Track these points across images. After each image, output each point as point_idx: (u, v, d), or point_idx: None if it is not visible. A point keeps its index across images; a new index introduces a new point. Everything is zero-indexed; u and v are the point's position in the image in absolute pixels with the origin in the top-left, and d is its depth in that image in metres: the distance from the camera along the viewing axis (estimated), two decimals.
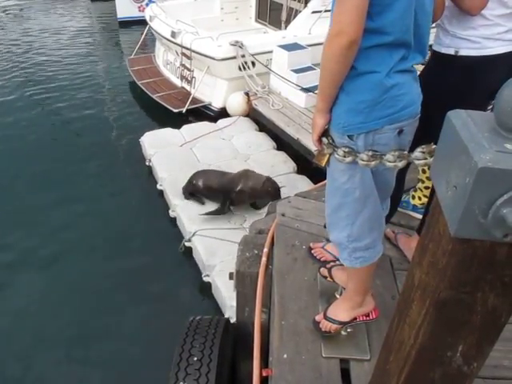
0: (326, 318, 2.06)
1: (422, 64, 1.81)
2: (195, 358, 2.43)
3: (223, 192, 4.70)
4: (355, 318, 2.04)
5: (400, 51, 1.51)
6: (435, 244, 1.07)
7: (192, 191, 4.91)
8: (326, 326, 2.06)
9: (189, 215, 4.70)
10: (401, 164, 1.52)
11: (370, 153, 1.54)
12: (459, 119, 0.98)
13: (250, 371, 2.78)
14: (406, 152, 1.51)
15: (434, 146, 1.40)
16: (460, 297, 1.05)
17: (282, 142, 6.11)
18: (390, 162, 1.53)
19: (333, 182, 1.77)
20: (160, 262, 4.50)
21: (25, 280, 4.27)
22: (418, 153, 1.45)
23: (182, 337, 2.58)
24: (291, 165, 5.49)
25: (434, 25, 2.15)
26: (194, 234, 4.43)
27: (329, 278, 2.21)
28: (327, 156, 1.69)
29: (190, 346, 2.49)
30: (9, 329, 3.82)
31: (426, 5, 1.55)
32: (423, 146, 1.44)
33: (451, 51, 1.97)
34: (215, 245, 4.22)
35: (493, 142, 0.87)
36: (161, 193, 5.29)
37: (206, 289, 4.07)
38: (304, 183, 4.94)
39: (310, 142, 5.60)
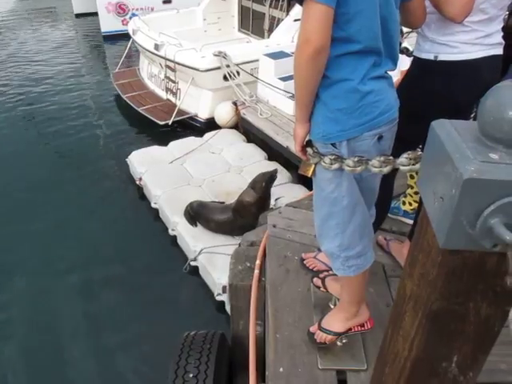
0: (320, 329, 2.04)
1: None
2: (191, 375, 2.39)
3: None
4: (350, 329, 2.02)
5: (371, 58, 1.53)
6: (425, 255, 1.06)
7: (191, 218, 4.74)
8: (320, 337, 2.05)
9: (191, 233, 4.55)
10: (386, 169, 1.52)
11: (356, 158, 1.54)
12: (443, 129, 0.97)
13: None
14: (391, 157, 1.50)
15: (420, 153, 1.40)
16: (452, 307, 1.04)
17: (273, 152, 6.07)
18: (375, 167, 1.53)
19: (320, 193, 1.76)
20: (165, 284, 4.33)
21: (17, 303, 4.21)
22: (403, 159, 1.45)
23: (176, 352, 2.55)
24: (286, 174, 5.44)
25: (414, 31, 2.18)
26: (200, 253, 4.29)
27: (322, 289, 2.20)
28: (313, 166, 1.69)
29: (185, 362, 2.46)
30: None
31: (393, 13, 1.56)
32: (409, 152, 1.44)
33: (431, 56, 1.99)
34: (224, 262, 3.94)
35: (477, 152, 0.87)
36: (156, 211, 5.17)
37: (221, 307, 3.97)
38: (301, 192, 4.87)
39: None
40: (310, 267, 2.48)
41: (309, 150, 1.66)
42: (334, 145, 1.60)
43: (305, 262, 2.52)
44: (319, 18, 1.39)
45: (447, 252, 0.96)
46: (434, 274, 1.01)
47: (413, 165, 1.41)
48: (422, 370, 1.17)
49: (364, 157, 1.54)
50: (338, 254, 1.83)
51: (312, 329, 2.08)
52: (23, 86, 9.03)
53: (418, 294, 1.10)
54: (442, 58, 1.97)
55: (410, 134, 1.79)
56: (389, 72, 1.64)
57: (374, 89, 1.55)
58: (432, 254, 1.02)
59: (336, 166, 1.56)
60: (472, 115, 2.28)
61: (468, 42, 1.91)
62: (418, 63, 2.09)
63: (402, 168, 1.44)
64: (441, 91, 1.99)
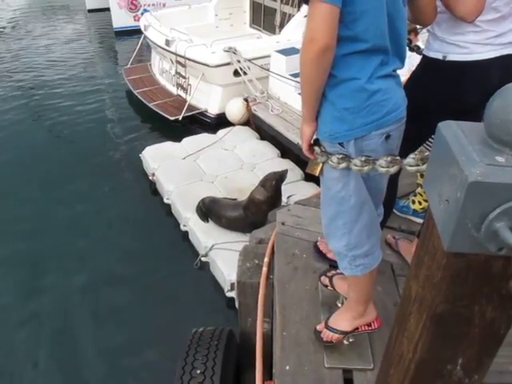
0: (327, 327, 2.04)
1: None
2: (198, 371, 2.41)
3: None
4: (357, 328, 2.02)
5: (378, 57, 1.52)
6: (430, 257, 1.06)
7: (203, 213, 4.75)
8: (327, 335, 2.04)
9: (203, 229, 4.56)
10: (393, 169, 1.51)
11: (363, 158, 1.54)
12: (450, 130, 0.96)
13: (254, 382, 2.77)
14: (398, 157, 1.50)
15: (427, 153, 1.39)
16: (457, 310, 1.03)
17: (285, 150, 6.06)
18: (382, 167, 1.52)
19: (327, 192, 1.76)
20: (175, 280, 4.35)
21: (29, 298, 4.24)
22: (410, 159, 1.44)
23: (184, 349, 2.56)
24: (298, 172, 5.42)
25: (425, 30, 2.16)
26: (211, 249, 4.30)
27: (330, 287, 2.19)
28: (320, 165, 1.69)
29: (193, 358, 2.47)
30: None
31: (400, 10, 1.55)
32: (416, 153, 1.43)
33: (439, 56, 1.97)
34: (235, 258, 4.03)
35: (483, 154, 0.86)
36: (168, 206, 5.19)
37: (231, 304, 3.98)
38: (313, 190, 4.86)
39: None
40: (324, 251, 2.50)
41: (316, 148, 1.66)
42: (341, 144, 1.60)
43: (318, 243, 2.54)
44: (325, 18, 1.38)
45: (452, 255, 0.95)
46: (438, 277, 1.01)
47: (419, 165, 1.40)
48: (427, 371, 1.16)
49: (371, 156, 1.53)
50: (346, 254, 1.83)
51: (319, 327, 2.08)
52: (35, 81, 9.10)
53: (423, 296, 1.09)
54: (450, 58, 1.95)
55: (416, 133, 1.77)
56: (397, 71, 1.63)
57: (381, 87, 1.54)
58: (437, 257, 1.01)
59: (343, 165, 1.56)
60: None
61: (478, 43, 1.88)
62: (426, 62, 2.07)
63: (408, 168, 1.43)
64: (447, 92, 1.97)
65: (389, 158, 1.46)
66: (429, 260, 1.06)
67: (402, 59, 1.63)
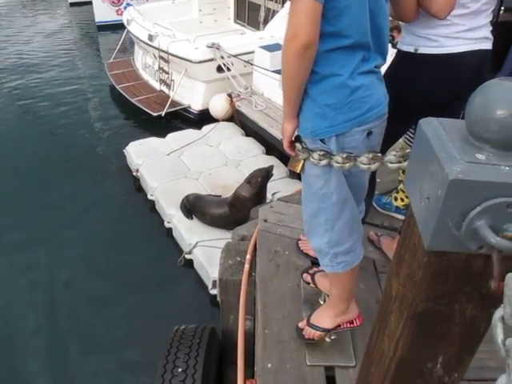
0: (309, 325, 2.03)
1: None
2: (180, 369, 2.38)
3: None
4: (339, 325, 2.01)
5: (360, 53, 1.51)
6: (411, 255, 1.05)
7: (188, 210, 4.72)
8: (309, 333, 2.04)
9: (187, 226, 4.53)
10: (374, 166, 1.51)
11: (345, 155, 1.53)
12: (430, 127, 0.95)
13: (236, 380, 2.76)
14: (379, 154, 1.49)
15: (408, 150, 1.38)
16: (438, 309, 1.02)
17: (269, 146, 6.05)
18: (363, 164, 1.52)
19: (309, 189, 1.75)
20: (159, 276, 4.31)
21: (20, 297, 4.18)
22: (391, 156, 1.43)
23: (166, 347, 2.53)
24: (283, 169, 5.39)
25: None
26: (195, 246, 4.28)
27: (312, 285, 2.18)
28: (302, 162, 1.67)
29: (175, 356, 2.45)
30: None
31: (382, 7, 1.55)
32: (397, 150, 1.43)
33: (411, 49, 1.99)
34: (219, 256, 4.05)
35: (464, 152, 0.85)
36: (152, 203, 5.15)
37: (215, 301, 3.88)
38: (298, 187, 4.86)
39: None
40: (302, 248, 2.50)
41: (297, 145, 1.64)
42: (322, 141, 1.59)
43: (299, 242, 2.54)
44: (307, 13, 1.37)
45: (433, 253, 0.94)
46: (419, 275, 1.00)
47: (401, 162, 1.39)
48: (407, 370, 1.16)
49: (353, 153, 1.52)
50: (327, 251, 1.82)
51: (300, 324, 2.07)
52: (14, 74, 8.99)
53: (404, 295, 1.08)
54: (422, 50, 1.97)
55: (392, 129, 1.76)
56: (378, 67, 1.62)
57: (363, 84, 1.53)
58: (418, 255, 1.00)
59: (324, 162, 1.55)
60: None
61: (448, 36, 1.90)
62: (400, 56, 2.09)
63: (390, 165, 1.43)
64: (420, 85, 1.99)
65: (370, 155, 1.46)
66: (410, 258, 1.05)
67: (383, 55, 1.62)
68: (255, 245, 2.65)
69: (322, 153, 1.55)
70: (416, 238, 1.01)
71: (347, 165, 1.51)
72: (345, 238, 1.78)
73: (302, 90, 1.55)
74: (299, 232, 2.62)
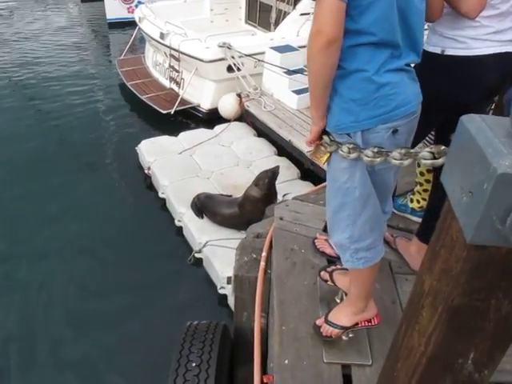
0: (327, 322, 2.04)
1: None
2: (194, 364, 2.39)
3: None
4: (357, 324, 2.02)
5: (387, 50, 1.52)
6: (447, 250, 1.05)
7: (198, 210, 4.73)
8: (327, 330, 2.04)
9: (197, 225, 4.55)
10: (407, 162, 1.49)
11: (376, 149, 1.52)
12: (473, 124, 0.96)
13: (248, 377, 2.76)
14: (412, 151, 1.48)
15: (443, 148, 1.38)
16: (473, 304, 1.03)
17: (277, 146, 6.08)
18: (395, 159, 1.50)
19: (334, 183, 1.76)
20: (168, 274, 4.33)
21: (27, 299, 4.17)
22: (425, 152, 1.42)
23: (179, 342, 2.54)
24: (295, 171, 5.44)
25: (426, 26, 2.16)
26: (204, 245, 4.29)
27: (329, 282, 2.19)
28: (328, 154, 1.68)
29: (189, 351, 2.46)
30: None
31: (413, 4, 1.54)
32: (431, 146, 1.41)
33: (438, 50, 1.98)
34: (229, 255, 3.91)
35: (511, 147, 0.86)
36: (163, 201, 5.17)
37: (223, 301, 3.98)
38: (309, 189, 4.86)
39: (302, 144, 5.60)
40: (318, 246, 2.51)
41: (325, 137, 1.65)
42: (348, 135, 1.60)
43: (316, 241, 2.55)
44: (331, 11, 1.39)
45: (473, 247, 0.95)
46: (457, 270, 1.00)
47: (436, 159, 1.39)
48: (438, 365, 1.16)
49: (384, 148, 1.52)
50: (348, 246, 1.83)
51: (318, 322, 2.08)
52: (24, 70, 8.98)
53: (438, 289, 1.09)
54: (449, 52, 1.96)
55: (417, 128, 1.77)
56: (412, 64, 1.63)
57: (390, 81, 1.54)
58: (456, 249, 1.01)
59: (354, 155, 1.55)
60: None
61: (476, 38, 1.89)
62: (425, 57, 2.08)
63: (423, 162, 1.42)
64: (445, 87, 1.98)
65: (403, 151, 1.45)
66: (446, 253, 1.06)
67: (417, 53, 1.63)
68: (271, 242, 2.66)
69: (351, 146, 1.55)
70: (454, 233, 1.01)
71: (378, 159, 1.50)
72: (366, 234, 1.79)
73: (327, 89, 1.56)
74: (315, 231, 2.63)
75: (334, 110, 1.62)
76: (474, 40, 1.88)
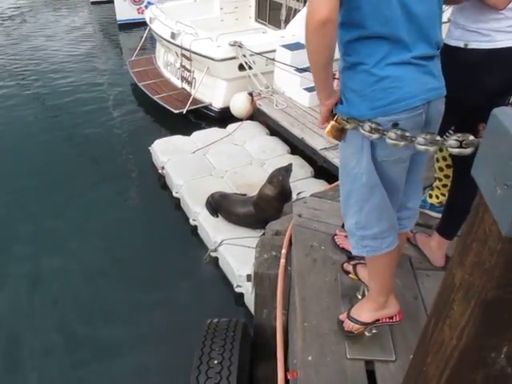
0: (349, 317, 2.05)
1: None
2: (215, 361, 2.41)
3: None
4: (378, 320, 2.02)
5: (387, 43, 1.51)
6: (480, 243, 1.05)
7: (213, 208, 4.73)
8: (348, 325, 2.05)
9: (213, 224, 4.55)
10: (432, 149, 1.47)
11: (399, 132, 1.50)
12: (506, 116, 0.95)
13: (268, 374, 2.77)
14: (438, 138, 1.46)
15: (472, 138, 1.37)
16: (507, 297, 1.02)
17: (289, 144, 6.07)
18: (420, 144, 1.48)
19: (344, 169, 1.78)
20: (184, 273, 4.33)
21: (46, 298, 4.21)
22: (452, 141, 1.41)
23: (200, 339, 2.56)
24: (308, 169, 5.42)
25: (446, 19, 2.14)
26: (220, 244, 4.29)
27: (352, 275, 2.19)
28: (343, 132, 1.68)
29: (210, 349, 2.47)
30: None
31: None
32: (459, 135, 1.40)
33: (460, 44, 1.96)
34: (244, 254, 4.01)
35: None
36: (177, 200, 5.18)
37: (240, 299, 3.98)
38: (323, 187, 4.78)
39: (314, 142, 5.59)
40: (338, 242, 2.53)
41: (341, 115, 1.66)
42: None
43: (336, 237, 2.56)
44: None
45: (508, 240, 0.94)
46: (491, 263, 1.00)
47: (463, 148, 1.37)
48: (470, 359, 1.16)
49: (407, 131, 1.51)
50: (354, 232, 1.85)
51: (341, 317, 2.09)
52: (36, 72, 9.08)
53: (471, 283, 1.08)
54: (472, 45, 1.94)
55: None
56: (423, 57, 1.57)
57: (390, 75, 1.53)
58: (489, 242, 1.00)
59: (376, 136, 1.53)
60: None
61: (500, 30, 1.87)
62: (447, 50, 2.06)
63: (450, 150, 1.41)
64: (468, 80, 1.97)
65: (428, 136, 1.44)
66: (478, 246, 1.05)
67: (430, 45, 1.58)
68: (290, 240, 2.67)
69: (373, 125, 1.53)
70: (487, 226, 1.01)
71: (402, 143, 1.49)
72: (372, 223, 1.79)
73: (327, 70, 1.57)
74: (334, 227, 2.64)
75: (342, 98, 1.65)
76: (498, 32, 1.86)
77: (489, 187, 0.98)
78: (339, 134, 1.69)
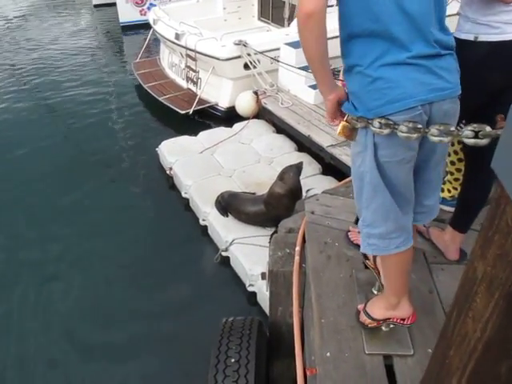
0: (364, 310, 2.07)
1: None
2: (233, 360, 2.42)
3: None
4: (389, 318, 2.02)
5: (380, 42, 1.51)
6: (502, 236, 1.05)
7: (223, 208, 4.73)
8: (362, 318, 2.09)
9: (223, 223, 4.56)
10: (447, 140, 1.46)
11: (411, 124, 1.49)
12: None
13: (284, 371, 2.78)
14: (453, 129, 1.45)
15: (489, 129, 1.37)
16: None
17: (301, 144, 6.06)
18: (434, 136, 1.47)
19: (353, 167, 1.80)
20: (195, 274, 4.35)
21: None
22: (468, 131, 1.41)
23: (217, 338, 2.57)
24: (316, 166, 5.43)
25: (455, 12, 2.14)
26: (231, 243, 4.30)
27: (369, 262, 2.20)
28: (355, 131, 1.69)
29: (227, 347, 2.49)
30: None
31: None
32: (475, 126, 1.40)
33: (470, 37, 1.97)
34: (256, 253, 4.03)
35: None
36: (186, 201, 5.20)
37: (252, 298, 3.99)
38: (332, 184, 4.81)
39: (321, 139, 5.59)
40: (352, 239, 2.54)
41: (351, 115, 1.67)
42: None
43: (349, 233, 2.58)
44: None
45: None
46: None
47: (480, 138, 1.37)
48: (494, 351, 1.16)
49: (418, 122, 1.50)
50: (362, 229, 1.86)
51: (360, 307, 2.12)
52: (40, 75, 9.14)
53: (494, 275, 1.09)
54: (482, 38, 1.95)
55: None
56: (421, 57, 1.53)
57: (383, 76, 1.52)
58: None
59: (387, 131, 1.52)
60: None
61: (510, 22, 1.88)
62: (457, 44, 2.06)
63: (466, 141, 1.41)
64: (479, 71, 1.97)
65: (441, 127, 1.44)
66: (501, 238, 1.06)
67: (429, 42, 1.53)
68: (303, 237, 2.67)
69: (383, 121, 1.52)
70: (509, 218, 1.01)
71: (414, 135, 1.48)
72: (378, 222, 1.78)
73: (323, 63, 1.59)
74: (347, 224, 2.64)
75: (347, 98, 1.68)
76: (508, 25, 1.87)
77: (511, 179, 0.99)
78: (351, 133, 1.69)
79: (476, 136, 1.39)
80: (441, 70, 1.57)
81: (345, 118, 1.68)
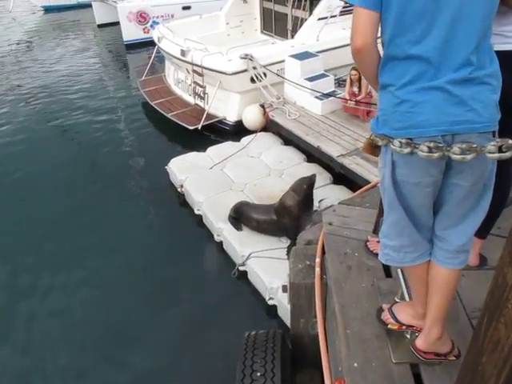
0: (390, 310, 2.08)
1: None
2: (258, 374, 2.43)
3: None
4: (413, 326, 2.03)
5: (417, 66, 1.50)
6: None
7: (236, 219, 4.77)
8: (385, 316, 2.10)
9: (238, 238, 4.56)
10: (469, 157, 1.46)
11: (432, 144, 1.48)
12: None
13: (307, 382, 2.79)
14: (475, 145, 1.46)
15: (511, 141, 1.39)
16: None
17: (305, 153, 6.11)
18: (456, 154, 1.47)
19: (380, 180, 1.83)
20: (214, 290, 4.35)
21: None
22: (491, 146, 1.43)
23: (241, 352, 2.59)
24: (327, 176, 5.46)
25: None
26: (248, 257, 4.29)
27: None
28: (377, 149, 1.73)
29: (252, 361, 2.50)
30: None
31: (467, 11, 1.44)
32: (497, 140, 1.42)
33: None
34: (273, 266, 4.04)
35: None
36: (199, 217, 5.20)
37: (272, 312, 3.99)
38: (344, 193, 4.89)
39: (330, 149, 5.62)
40: (371, 249, 2.56)
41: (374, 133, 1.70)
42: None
43: (368, 243, 2.60)
44: (362, 21, 1.53)
45: None
46: None
47: (504, 152, 1.39)
48: None
49: (441, 142, 1.50)
50: (380, 238, 1.90)
51: (384, 306, 2.14)
52: (46, 95, 9.30)
53: None
54: (496, 48, 1.96)
55: None
56: (463, 80, 1.48)
57: (410, 99, 1.52)
58: None
59: (407, 150, 1.53)
60: None
61: None
62: None
63: (489, 156, 1.43)
64: None
65: (464, 145, 1.45)
66: None
67: (454, 70, 1.47)
68: (323, 248, 2.69)
69: (404, 140, 1.54)
70: None
71: (436, 154, 1.49)
72: (392, 235, 1.82)
73: (374, 81, 1.67)
74: (365, 233, 2.66)
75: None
76: None
77: None
78: (374, 151, 1.75)
79: (499, 150, 1.41)
80: (473, 101, 1.49)
81: (369, 136, 1.72)
